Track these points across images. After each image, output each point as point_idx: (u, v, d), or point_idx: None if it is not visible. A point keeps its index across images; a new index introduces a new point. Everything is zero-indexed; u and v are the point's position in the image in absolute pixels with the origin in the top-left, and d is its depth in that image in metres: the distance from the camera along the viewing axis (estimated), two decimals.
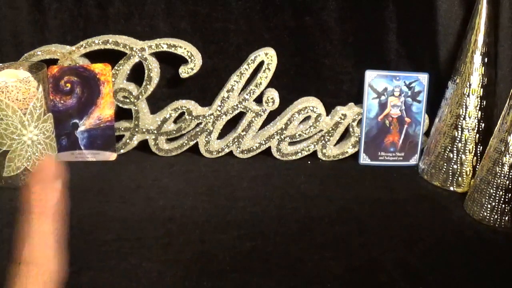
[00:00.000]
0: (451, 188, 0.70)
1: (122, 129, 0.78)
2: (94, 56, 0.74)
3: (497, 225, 0.62)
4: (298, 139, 0.78)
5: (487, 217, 0.62)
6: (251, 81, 0.74)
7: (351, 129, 0.77)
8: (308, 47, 0.76)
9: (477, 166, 0.67)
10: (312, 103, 0.75)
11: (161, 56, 0.74)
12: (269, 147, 0.78)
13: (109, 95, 0.75)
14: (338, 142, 0.79)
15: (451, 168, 0.70)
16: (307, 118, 0.76)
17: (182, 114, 0.76)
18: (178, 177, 0.73)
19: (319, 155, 0.78)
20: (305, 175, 0.74)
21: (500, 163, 0.60)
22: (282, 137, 0.77)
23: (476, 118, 0.68)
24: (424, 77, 0.74)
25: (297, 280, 0.52)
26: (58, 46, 0.74)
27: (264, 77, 0.73)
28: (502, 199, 0.61)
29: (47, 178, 0.28)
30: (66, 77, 0.74)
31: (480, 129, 0.68)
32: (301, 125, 0.77)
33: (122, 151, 0.79)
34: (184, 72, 0.74)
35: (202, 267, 0.53)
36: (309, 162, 0.78)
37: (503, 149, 0.60)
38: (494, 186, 0.61)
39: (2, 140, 0.66)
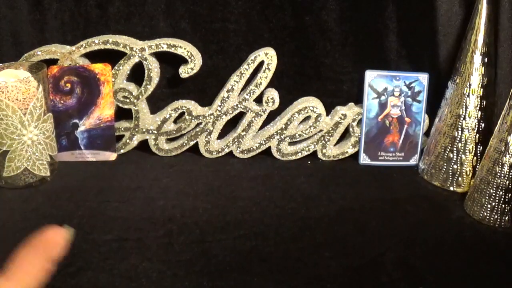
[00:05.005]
0: (451, 188, 0.70)
1: (122, 129, 0.78)
2: (94, 56, 0.74)
3: (497, 225, 0.62)
4: (298, 139, 0.78)
5: (487, 217, 0.62)
6: (251, 81, 0.74)
7: (351, 129, 0.77)
8: (308, 47, 0.76)
9: (477, 166, 0.67)
10: (312, 103, 0.75)
11: (161, 56, 0.74)
12: (269, 147, 0.78)
13: (109, 95, 0.75)
14: (338, 142, 0.79)
15: (451, 168, 0.70)
16: (307, 118, 0.76)
17: (182, 114, 0.76)
18: (178, 177, 0.73)
19: (319, 155, 0.78)
20: (305, 175, 0.74)
21: (500, 163, 0.60)
22: (282, 137, 0.77)
23: (476, 118, 0.68)
24: (424, 77, 0.74)
25: (297, 280, 0.52)
26: (58, 46, 0.74)
27: (264, 77, 0.73)
28: (502, 199, 0.61)
29: (44, 247, 0.29)
30: (66, 77, 0.74)
31: (480, 129, 0.68)
32: (301, 125, 0.77)
33: (122, 151, 0.79)
34: (184, 72, 0.74)
35: (202, 267, 0.53)
36: (309, 162, 0.78)
37: (503, 149, 0.60)
38: (494, 186, 0.61)
39: (2, 140, 0.66)
